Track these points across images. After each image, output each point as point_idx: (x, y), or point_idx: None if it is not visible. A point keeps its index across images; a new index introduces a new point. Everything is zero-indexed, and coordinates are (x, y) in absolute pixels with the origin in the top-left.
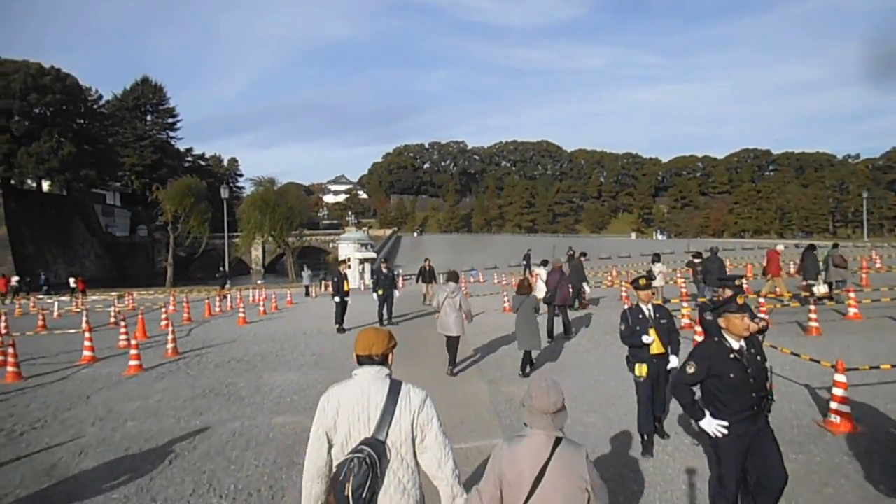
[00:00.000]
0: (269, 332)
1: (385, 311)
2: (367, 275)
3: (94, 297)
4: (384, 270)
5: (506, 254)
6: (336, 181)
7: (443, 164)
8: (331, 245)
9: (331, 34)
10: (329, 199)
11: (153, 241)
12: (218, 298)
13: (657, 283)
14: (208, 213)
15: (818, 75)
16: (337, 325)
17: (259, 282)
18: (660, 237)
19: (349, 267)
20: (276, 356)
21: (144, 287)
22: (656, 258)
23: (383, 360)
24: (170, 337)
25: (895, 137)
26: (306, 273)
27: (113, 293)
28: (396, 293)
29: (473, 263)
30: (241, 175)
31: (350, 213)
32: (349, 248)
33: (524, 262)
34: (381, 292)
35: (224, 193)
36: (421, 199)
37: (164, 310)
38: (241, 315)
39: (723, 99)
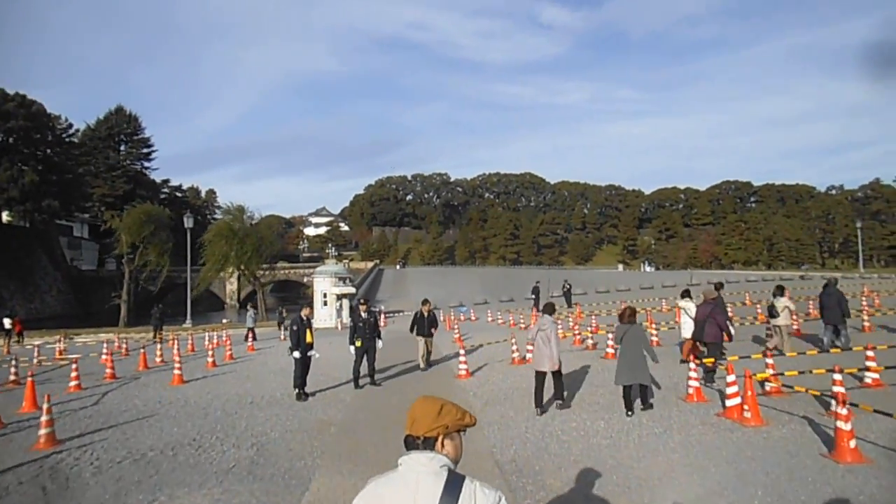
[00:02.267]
0: (206, 399)
1: (366, 367)
2: (346, 312)
3: (34, 342)
4: (362, 314)
5: (494, 287)
6: (317, 213)
7: (426, 196)
8: (304, 279)
9: (316, 68)
10: (310, 231)
11: (121, 276)
12: (157, 345)
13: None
14: (169, 244)
15: (796, 109)
16: (296, 390)
17: (224, 320)
18: (647, 269)
19: (310, 314)
20: (198, 448)
21: (101, 326)
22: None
23: (434, 443)
24: (44, 418)
25: (871, 169)
26: (250, 314)
27: (56, 336)
28: (380, 343)
29: (461, 298)
30: (219, 207)
31: (330, 245)
32: (325, 283)
33: (533, 297)
34: (359, 344)
35: (188, 223)
36: (403, 232)
37: (73, 367)
38: (177, 372)
39: (703, 132)
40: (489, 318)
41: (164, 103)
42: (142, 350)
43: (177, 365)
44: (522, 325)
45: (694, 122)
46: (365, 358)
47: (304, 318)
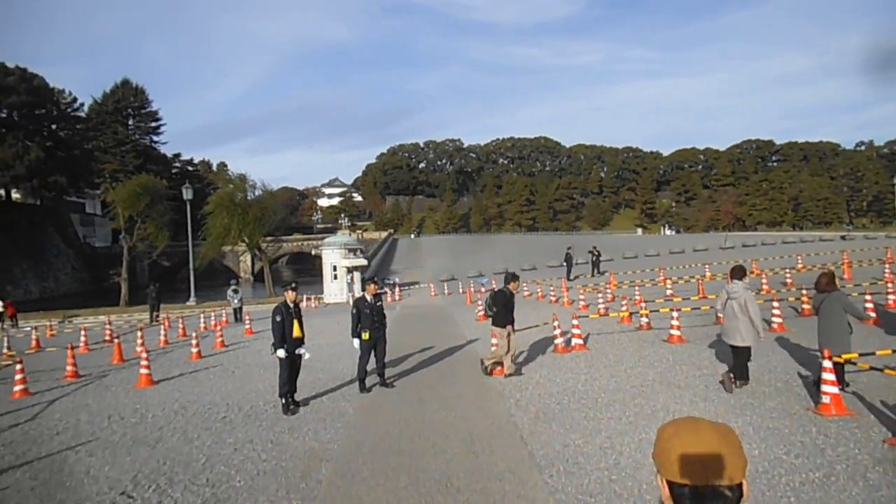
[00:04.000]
0: (168, 412)
1: (375, 363)
2: (357, 286)
3: (32, 324)
4: (368, 298)
5: (513, 255)
6: (330, 184)
7: (438, 163)
8: (312, 251)
9: (325, 37)
10: (323, 202)
11: (140, 251)
12: (162, 327)
13: None
14: (166, 217)
15: (816, 65)
16: (283, 399)
17: (233, 297)
18: (668, 232)
19: (297, 296)
20: (129, 500)
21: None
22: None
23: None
24: None
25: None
26: (231, 290)
27: (53, 319)
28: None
29: (479, 267)
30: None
31: (343, 215)
32: (335, 255)
33: (565, 264)
34: (366, 337)
35: (187, 194)
36: (417, 200)
37: (18, 367)
38: (144, 371)
39: (721, 92)
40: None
41: (174, 77)
42: (116, 340)
43: (143, 363)
44: (553, 298)
45: (711, 82)
46: (373, 353)
47: (291, 304)
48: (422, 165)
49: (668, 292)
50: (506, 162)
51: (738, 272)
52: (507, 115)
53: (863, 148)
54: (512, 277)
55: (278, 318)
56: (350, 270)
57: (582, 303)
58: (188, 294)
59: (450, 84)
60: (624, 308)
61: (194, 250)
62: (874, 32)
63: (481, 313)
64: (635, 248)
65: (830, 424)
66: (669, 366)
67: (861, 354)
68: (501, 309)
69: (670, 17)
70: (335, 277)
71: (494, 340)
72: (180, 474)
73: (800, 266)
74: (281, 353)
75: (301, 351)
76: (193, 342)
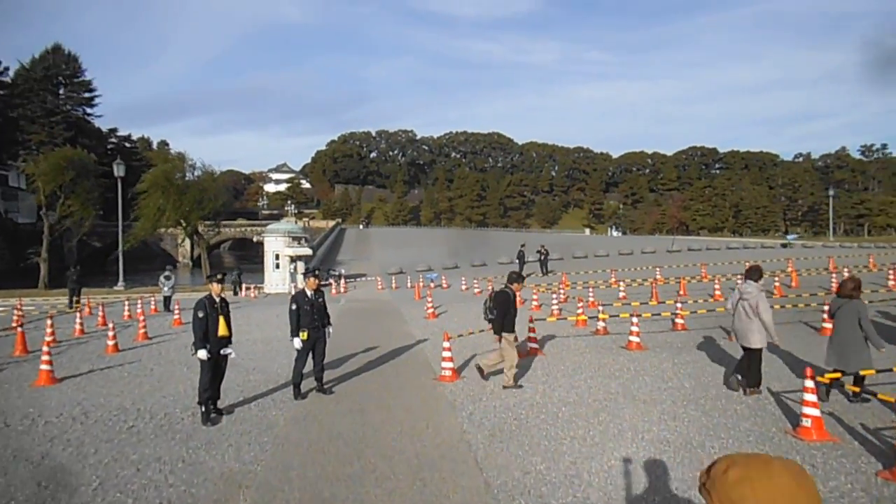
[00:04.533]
0: (66, 418)
1: (313, 366)
2: (300, 276)
3: None
4: (308, 293)
5: (463, 250)
6: (278, 170)
7: (390, 153)
8: (254, 238)
9: (280, 18)
10: (270, 188)
11: (62, 228)
12: (49, 321)
13: None
14: (94, 194)
15: (762, 77)
16: (202, 407)
17: (164, 283)
18: (614, 233)
19: (222, 288)
20: None
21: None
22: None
23: None
24: None
25: (831, 139)
26: (164, 277)
27: None
28: (329, 330)
29: (428, 261)
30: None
31: (290, 202)
32: (277, 243)
33: (518, 260)
34: (304, 336)
35: (118, 171)
36: (367, 190)
37: None
38: (44, 367)
39: (670, 98)
40: (463, 286)
41: (115, 49)
42: (19, 328)
43: (45, 357)
44: None
45: (662, 87)
46: (311, 354)
47: (217, 298)
48: (373, 155)
49: (622, 294)
50: (458, 156)
51: (755, 273)
52: (462, 108)
53: (800, 159)
54: (516, 278)
55: (200, 314)
56: (293, 260)
57: (535, 303)
58: (131, 277)
59: (404, 74)
60: (580, 311)
61: (126, 232)
62: (819, 47)
63: (429, 309)
64: (584, 247)
65: (814, 452)
66: (632, 376)
67: (878, 371)
68: (502, 313)
69: (627, 20)
70: (277, 266)
71: (495, 347)
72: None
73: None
74: (202, 353)
75: (227, 351)
76: (110, 333)
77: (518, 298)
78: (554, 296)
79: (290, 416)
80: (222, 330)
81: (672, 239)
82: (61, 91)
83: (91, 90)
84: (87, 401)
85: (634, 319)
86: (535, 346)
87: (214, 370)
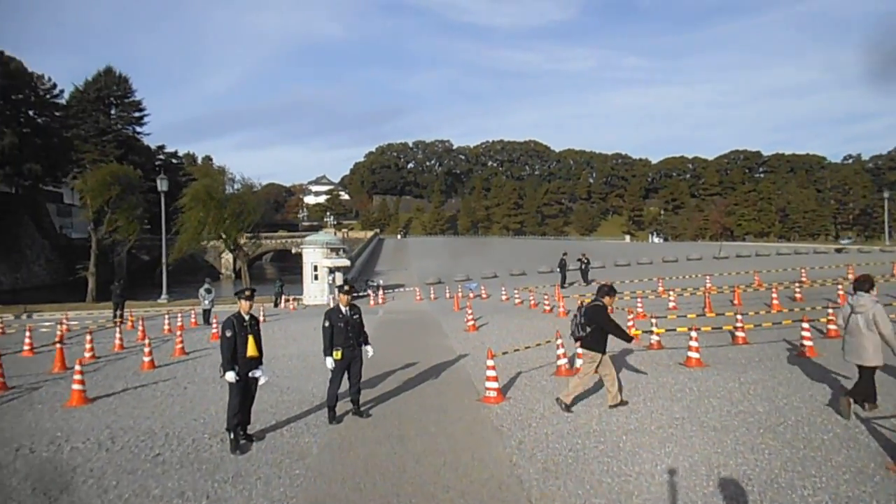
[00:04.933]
0: (91, 444)
1: (349, 387)
2: (337, 290)
3: None
4: (343, 309)
5: (502, 259)
6: (317, 182)
7: (427, 163)
8: (293, 250)
9: (318, 34)
10: (310, 200)
11: (109, 242)
12: (117, 328)
13: None
14: (139, 209)
15: (805, 79)
16: (231, 434)
17: (204, 297)
18: (655, 240)
19: (251, 305)
20: None
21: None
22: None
23: None
24: None
25: (880, 140)
26: (204, 290)
27: (11, 312)
28: (369, 350)
29: (467, 271)
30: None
31: (329, 213)
32: (316, 254)
33: (559, 269)
34: (338, 356)
35: (162, 186)
36: (405, 200)
37: None
38: (77, 386)
39: (710, 102)
40: (503, 296)
41: (163, 69)
42: (58, 344)
43: (77, 376)
44: (547, 307)
45: (701, 91)
46: (347, 375)
47: (246, 316)
48: (410, 165)
49: (671, 304)
50: (495, 165)
51: (865, 283)
52: (498, 117)
53: (850, 161)
54: (608, 291)
55: (228, 334)
56: (332, 271)
57: None
58: (178, 289)
59: (441, 85)
60: (630, 324)
61: (169, 245)
62: (864, 48)
63: (469, 321)
64: (626, 255)
65: None
66: (696, 398)
67: None
68: (598, 329)
69: (662, 26)
70: (316, 278)
71: (581, 367)
72: None
73: (804, 279)
74: (231, 376)
75: (257, 373)
76: (146, 349)
77: (609, 310)
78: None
79: (325, 442)
80: (251, 350)
81: (719, 245)
82: (112, 111)
83: (140, 109)
84: (116, 423)
85: (693, 333)
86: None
87: (244, 394)
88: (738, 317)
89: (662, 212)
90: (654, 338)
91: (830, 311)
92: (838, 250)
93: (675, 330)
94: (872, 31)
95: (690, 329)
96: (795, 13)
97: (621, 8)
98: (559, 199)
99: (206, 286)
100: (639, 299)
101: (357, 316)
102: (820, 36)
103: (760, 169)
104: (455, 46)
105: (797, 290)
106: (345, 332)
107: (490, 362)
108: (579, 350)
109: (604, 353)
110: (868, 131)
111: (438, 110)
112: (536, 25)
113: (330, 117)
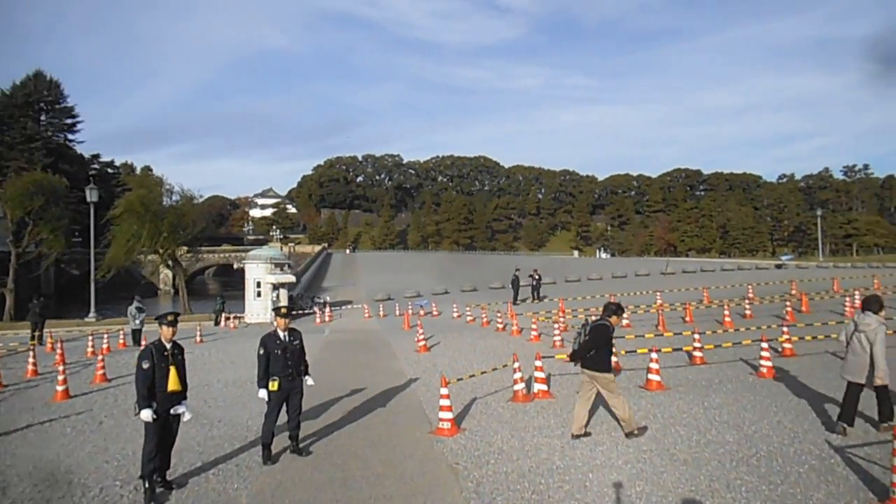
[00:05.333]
0: None
1: (287, 421)
2: (284, 304)
3: None
4: (280, 335)
5: (453, 274)
6: (263, 195)
7: (377, 177)
8: (234, 265)
9: (267, 45)
10: (256, 213)
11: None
12: (31, 350)
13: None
14: (64, 220)
15: (740, 101)
16: (145, 482)
17: (135, 316)
18: (603, 255)
19: (172, 334)
20: None
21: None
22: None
23: None
24: None
25: (810, 161)
26: (133, 309)
27: None
28: (308, 381)
29: (418, 287)
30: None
31: (275, 227)
32: (259, 270)
33: (512, 286)
34: (275, 387)
35: (91, 196)
36: (354, 214)
37: None
38: None
39: (654, 121)
40: (455, 314)
41: (103, 77)
42: None
43: None
44: (500, 325)
45: (645, 111)
46: (285, 408)
47: (168, 344)
48: (360, 179)
49: (625, 322)
50: (445, 180)
51: (874, 303)
52: (448, 132)
53: (784, 181)
54: (615, 309)
55: (146, 365)
56: (276, 287)
57: (534, 332)
58: (110, 307)
59: (391, 100)
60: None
61: (101, 259)
62: (796, 71)
63: (420, 341)
64: (576, 270)
65: None
66: (662, 427)
67: None
68: (604, 349)
69: (608, 47)
70: (259, 295)
71: (607, 395)
72: None
73: (751, 295)
74: (147, 414)
75: (180, 409)
76: (60, 378)
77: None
78: (555, 325)
79: (257, 488)
80: (173, 384)
81: (666, 261)
82: (42, 117)
83: (73, 116)
84: (12, 468)
85: (654, 355)
86: (543, 387)
87: (163, 433)
88: (696, 336)
89: (609, 228)
90: (612, 359)
91: (785, 329)
92: (778, 266)
93: (635, 351)
94: (805, 56)
95: (650, 350)
96: (731, 38)
97: (568, 28)
98: (509, 215)
99: (136, 304)
100: (592, 316)
101: (297, 342)
102: (757, 59)
103: (701, 187)
104: (405, 62)
105: (747, 306)
106: (283, 360)
107: (443, 390)
108: (585, 372)
109: (607, 371)
110: (798, 152)
111: (388, 124)
112: (486, 43)
113: (277, 129)
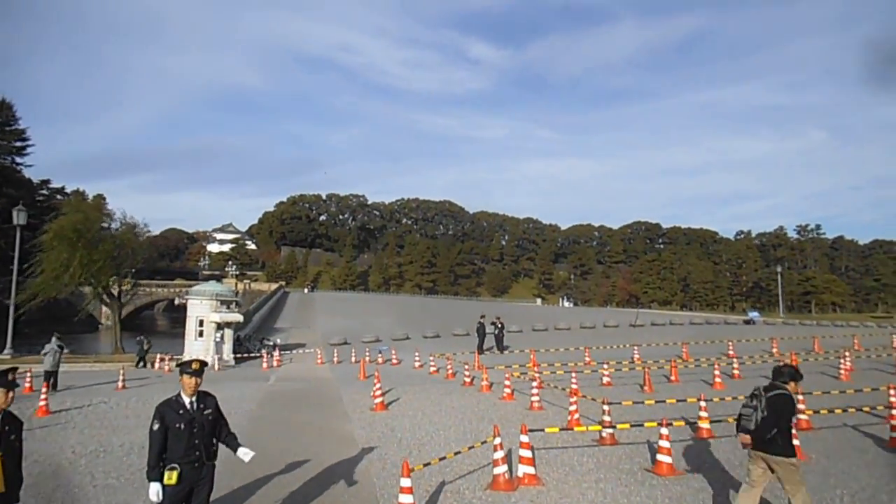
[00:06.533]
0: None
1: None
2: (228, 346)
3: None
4: (186, 401)
5: (413, 318)
6: (223, 230)
7: (340, 217)
8: (175, 301)
9: (235, 82)
10: (213, 248)
11: None
12: None
13: None
14: None
15: (697, 160)
16: None
17: (53, 354)
18: (566, 304)
19: (10, 397)
20: None
21: None
22: None
23: None
24: None
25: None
26: (49, 349)
27: None
28: (244, 454)
29: (377, 330)
30: (107, 215)
31: (231, 263)
32: (202, 307)
33: (477, 334)
34: (173, 479)
35: (19, 219)
36: (314, 253)
37: None
38: None
39: (614, 175)
40: (416, 363)
41: (64, 103)
42: None
43: None
44: (467, 378)
45: (606, 165)
46: None
47: None
48: (322, 218)
49: (605, 380)
50: (409, 222)
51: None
52: (414, 175)
53: (741, 237)
54: (793, 373)
55: None
56: (221, 327)
57: (507, 390)
58: (22, 342)
59: (358, 142)
60: (574, 409)
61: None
62: (750, 133)
63: (377, 398)
64: (542, 319)
65: None
66: None
67: None
68: (786, 427)
69: (571, 103)
70: (200, 335)
71: (786, 483)
72: None
73: (731, 353)
74: None
75: None
76: None
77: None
78: (533, 382)
79: None
80: None
81: (636, 313)
82: None
83: (24, 139)
84: None
85: (664, 431)
86: (530, 470)
87: None
88: (702, 403)
89: (572, 277)
90: (607, 430)
91: (801, 397)
92: (747, 322)
93: (641, 425)
94: (756, 120)
95: (660, 425)
96: (689, 101)
97: (534, 83)
98: (472, 260)
99: (55, 342)
100: (573, 374)
101: (209, 410)
102: (712, 122)
103: (660, 240)
104: (374, 106)
105: (736, 366)
106: (187, 439)
107: (405, 482)
108: (759, 455)
109: (791, 456)
110: (752, 210)
111: (355, 166)
112: (455, 93)
113: (241, 166)
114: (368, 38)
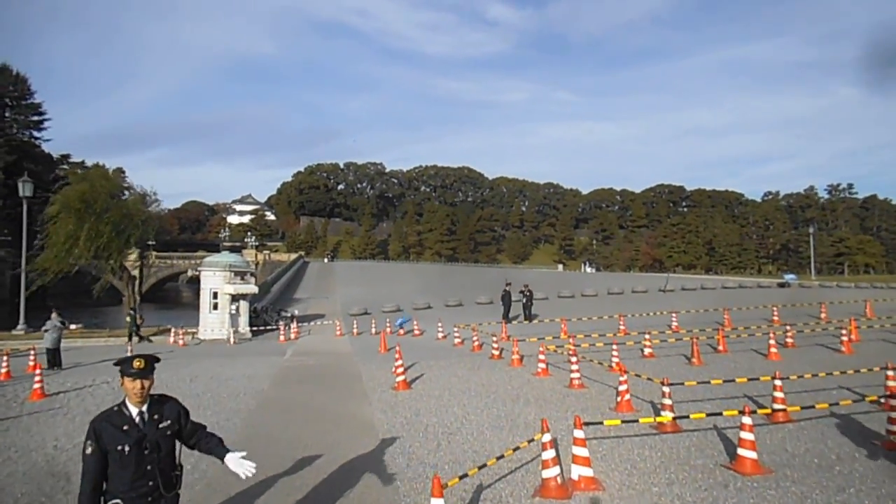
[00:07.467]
0: None
1: None
2: (244, 319)
3: None
4: (133, 413)
5: (436, 287)
6: (242, 201)
7: (359, 186)
8: (188, 273)
9: (252, 51)
10: (233, 219)
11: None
12: None
13: None
14: None
15: (722, 121)
16: None
17: (52, 331)
18: (588, 269)
19: None
20: None
21: None
22: None
23: None
24: None
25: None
26: (50, 325)
27: None
28: (247, 471)
29: (397, 300)
30: (128, 189)
31: (250, 234)
32: (216, 279)
33: (502, 302)
34: None
35: (25, 190)
36: (334, 223)
37: None
38: None
39: (636, 138)
40: (440, 333)
41: (83, 77)
42: None
43: None
44: (495, 351)
45: (628, 128)
46: None
47: None
48: (341, 187)
49: (647, 351)
50: (428, 190)
51: None
52: (432, 143)
53: (769, 198)
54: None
55: None
56: (235, 298)
57: (541, 366)
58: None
59: (375, 109)
60: (623, 389)
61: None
62: (776, 92)
63: (399, 375)
64: (567, 285)
65: None
66: None
67: None
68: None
69: (592, 65)
70: (215, 307)
71: None
72: None
73: (775, 319)
74: None
75: None
76: None
77: None
78: (572, 356)
79: None
80: None
81: (666, 277)
82: (7, 113)
83: (40, 113)
84: None
85: (746, 420)
86: (587, 472)
87: None
88: (777, 382)
89: (594, 242)
90: (666, 414)
91: (890, 371)
92: (781, 285)
93: (719, 414)
94: (783, 80)
95: (741, 413)
96: (713, 59)
97: (554, 45)
98: (492, 227)
99: (52, 322)
100: (614, 345)
101: (167, 423)
102: (737, 81)
103: (684, 203)
104: (390, 71)
105: (790, 333)
106: (134, 465)
107: (436, 502)
108: None
109: None
110: (777, 171)
111: (373, 133)
112: (473, 56)
113: (260, 136)
114: (384, 1)
